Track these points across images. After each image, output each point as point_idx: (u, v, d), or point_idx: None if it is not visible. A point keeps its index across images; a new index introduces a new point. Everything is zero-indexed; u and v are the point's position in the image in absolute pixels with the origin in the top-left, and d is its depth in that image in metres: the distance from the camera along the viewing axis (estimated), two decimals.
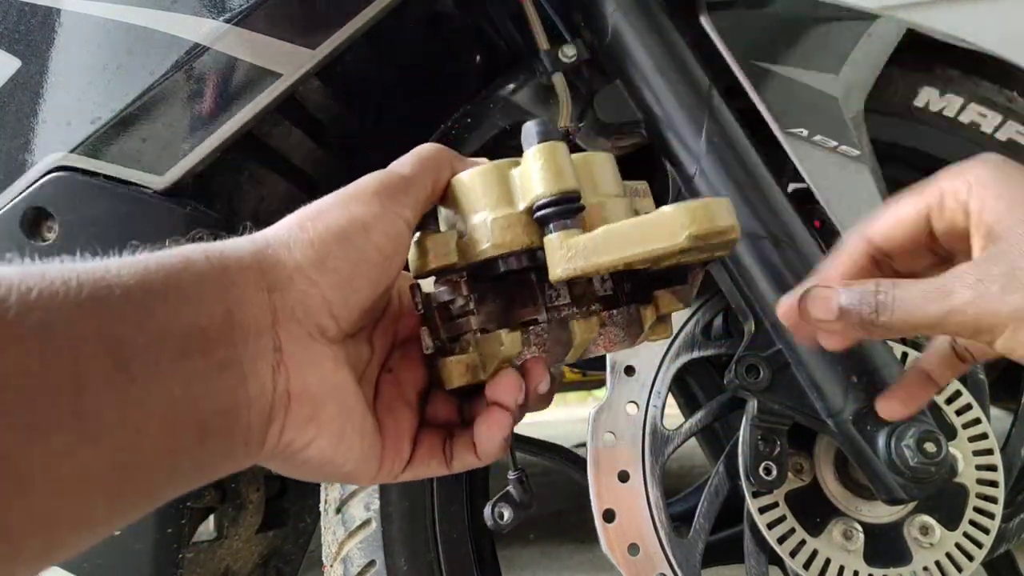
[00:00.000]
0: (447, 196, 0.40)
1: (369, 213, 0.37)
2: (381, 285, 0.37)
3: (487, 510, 0.48)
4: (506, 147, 0.73)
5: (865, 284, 0.44)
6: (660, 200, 0.68)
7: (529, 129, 0.37)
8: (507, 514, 0.49)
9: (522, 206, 0.37)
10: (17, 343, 0.27)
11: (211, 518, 0.81)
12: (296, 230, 0.36)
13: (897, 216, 0.46)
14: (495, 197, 0.38)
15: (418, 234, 0.40)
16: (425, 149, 0.41)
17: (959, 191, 0.43)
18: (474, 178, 0.38)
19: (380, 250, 0.37)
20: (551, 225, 0.36)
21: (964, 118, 0.79)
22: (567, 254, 0.35)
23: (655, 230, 0.35)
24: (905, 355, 0.68)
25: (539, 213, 0.36)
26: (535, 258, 0.38)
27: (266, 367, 0.34)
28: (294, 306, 0.35)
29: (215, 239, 0.36)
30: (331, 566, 0.67)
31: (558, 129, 0.39)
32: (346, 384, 0.37)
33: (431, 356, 0.40)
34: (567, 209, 0.36)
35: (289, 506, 0.90)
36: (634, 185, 0.44)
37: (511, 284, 0.40)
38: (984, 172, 0.43)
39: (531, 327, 0.40)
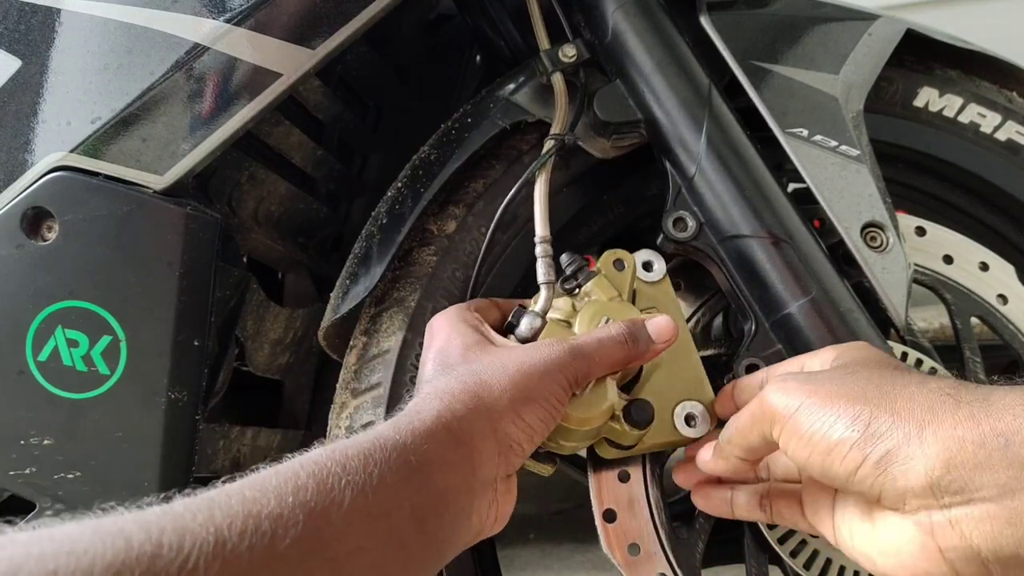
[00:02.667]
0: None
1: (559, 399, 0.52)
2: None
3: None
4: (506, 147, 0.73)
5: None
6: (660, 199, 0.68)
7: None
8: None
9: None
10: (380, 518, 0.40)
11: None
12: (517, 407, 0.50)
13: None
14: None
15: None
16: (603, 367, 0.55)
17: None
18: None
19: (558, 419, 0.53)
20: None
21: (963, 118, 0.79)
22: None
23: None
24: (905, 355, 0.68)
25: None
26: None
27: (485, 504, 0.49)
28: (511, 462, 0.50)
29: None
30: None
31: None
32: (515, 493, 0.54)
33: None
34: None
35: None
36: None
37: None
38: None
39: None
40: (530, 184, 0.66)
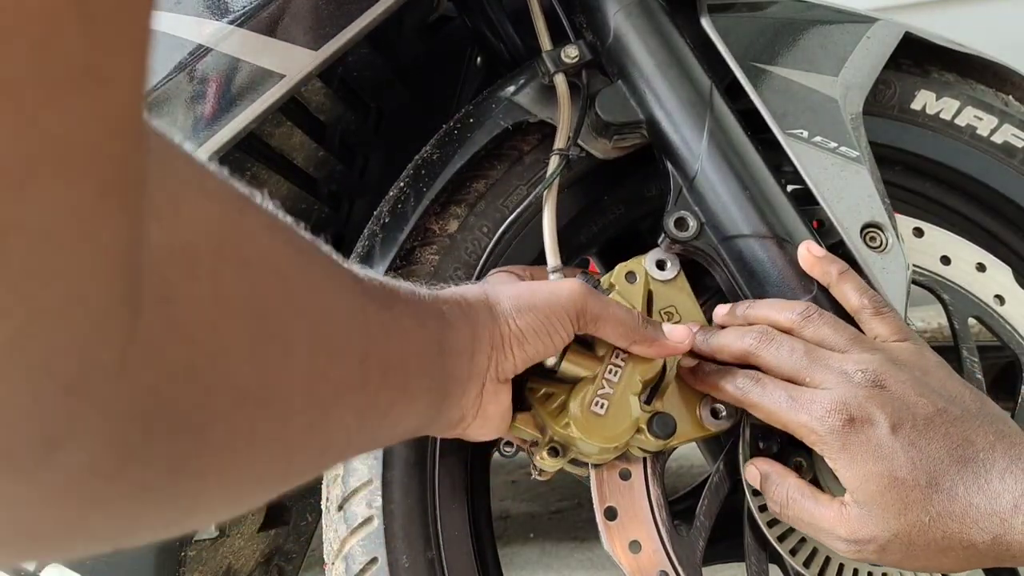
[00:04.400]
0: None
1: (560, 320, 0.55)
2: None
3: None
4: (508, 147, 0.74)
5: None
6: (660, 199, 0.68)
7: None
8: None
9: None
10: (418, 328, 0.46)
11: None
12: (517, 312, 0.54)
13: None
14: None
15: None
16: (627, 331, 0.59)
17: None
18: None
19: (557, 347, 0.56)
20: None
21: (960, 121, 0.80)
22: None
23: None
24: None
25: None
26: None
27: (474, 392, 0.53)
28: (500, 364, 0.54)
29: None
30: (332, 564, 0.67)
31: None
32: (507, 406, 0.57)
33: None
34: None
35: (291, 504, 0.90)
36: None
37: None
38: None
39: None
40: (539, 201, 0.67)
